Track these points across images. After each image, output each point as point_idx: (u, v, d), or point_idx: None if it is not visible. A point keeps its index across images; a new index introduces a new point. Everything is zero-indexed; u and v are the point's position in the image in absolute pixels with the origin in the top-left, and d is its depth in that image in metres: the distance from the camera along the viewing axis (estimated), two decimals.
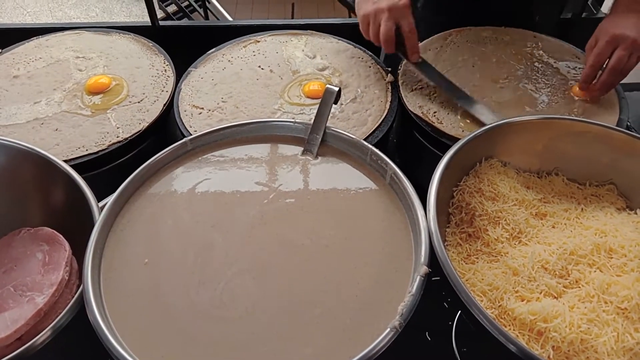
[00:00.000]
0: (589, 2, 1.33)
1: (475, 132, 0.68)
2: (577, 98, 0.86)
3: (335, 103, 0.70)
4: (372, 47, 0.98)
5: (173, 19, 2.59)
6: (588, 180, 0.73)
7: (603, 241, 0.62)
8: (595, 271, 0.60)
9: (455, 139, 0.79)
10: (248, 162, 0.70)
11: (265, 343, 0.53)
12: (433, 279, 0.57)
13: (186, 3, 2.59)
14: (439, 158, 0.74)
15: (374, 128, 0.83)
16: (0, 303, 0.61)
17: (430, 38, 0.98)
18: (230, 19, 2.54)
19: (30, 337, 0.56)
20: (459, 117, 0.83)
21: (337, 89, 0.69)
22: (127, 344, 0.52)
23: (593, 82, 0.83)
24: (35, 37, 1.00)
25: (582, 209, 0.69)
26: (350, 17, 2.99)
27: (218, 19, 2.54)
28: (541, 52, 0.96)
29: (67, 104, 0.86)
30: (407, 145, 0.93)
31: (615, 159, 0.71)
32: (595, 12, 1.35)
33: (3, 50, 0.97)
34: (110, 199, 0.63)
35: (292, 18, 2.72)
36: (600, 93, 0.83)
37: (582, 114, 0.83)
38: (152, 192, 0.66)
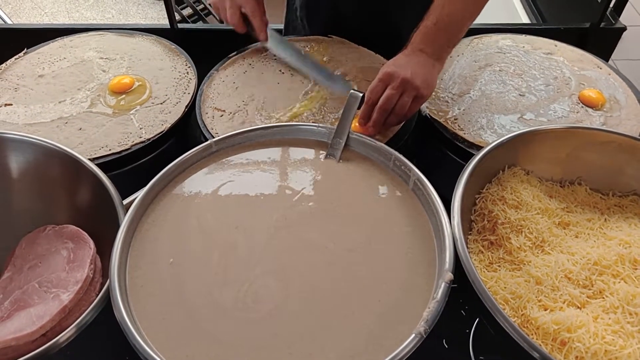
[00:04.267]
0: (607, 13, 1.33)
1: (500, 140, 0.68)
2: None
3: (359, 108, 0.71)
4: (393, 54, 0.99)
5: (188, 22, 2.61)
6: (611, 190, 0.73)
7: (627, 252, 0.62)
8: (619, 282, 0.60)
9: (476, 147, 0.80)
10: (271, 165, 0.70)
11: (289, 345, 0.53)
12: (452, 286, 0.57)
13: (201, 6, 2.61)
14: (459, 165, 0.74)
15: (393, 134, 0.83)
16: (25, 299, 0.62)
17: None
18: None
19: (55, 333, 0.56)
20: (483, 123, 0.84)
21: (361, 94, 0.70)
22: (152, 343, 0.52)
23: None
24: (59, 38, 1.02)
25: (605, 219, 0.68)
26: None
27: None
28: (563, 59, 0.96)
29: (90, 103, 0.88)
30: (427, 152, 0.93)
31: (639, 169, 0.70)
32: (613, 22, 1.34)
33: (28, 50, 0.99)
34: (135, 199, 0.64)
35: None
36: (374, 131, 0.77)
37: (605, 123, 0.83)
38: (176, 193, 0.67)
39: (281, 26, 1.15)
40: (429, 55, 0.77)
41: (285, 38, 0.98)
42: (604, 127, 0.77)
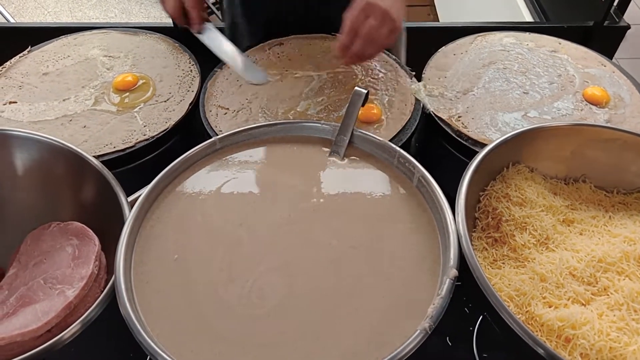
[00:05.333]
0: (611, 11, 1.33)
1: (504, 137, 0.68)
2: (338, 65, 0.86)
3: (363, 105, 0.71)
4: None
5: None
6: (616, 187, 0.72)
7: (632, 249, 0.62)
8: (624, 279, 0.60)
9: (479, 144, 0.80)
10: (275, 162, 0.70)
11: (294, 342, 0.53)
12: (455, 283, 0.57)
13: (204, 5, 2.61)
14: (462, 162, 0.74)
15: (397, 131, 0.83)
16: (30, 295, 0.62)
17: (456, 42, 0.99)
18: None
19: (60, 329, 0.56)
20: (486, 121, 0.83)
21: (365, 91, 0.70)
22: (157, 338, 0.53)
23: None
24: (63, 36, 1.02)
25: (609, 217, 0.68)
26: None
27: None
28: (567, 57, 0.96)
29: (95, 101, 0.88)
30: (430, 149, 0.94)
31: None
32: (617, 20, 1.34)
33: (32, 47, 0.99)
34: (139, 195, 0.64)
35: None
36: (353, 61, 0.81)
37: (609, 121, 0.82)
38: (181, 190, 0.67)
39: None
40: None
41: (220, 34, 0.97)
42: (608, 125, 0.77)
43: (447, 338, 0.77)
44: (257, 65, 0.93)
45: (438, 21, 2.79)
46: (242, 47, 0.99)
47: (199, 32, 0.94)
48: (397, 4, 0.77)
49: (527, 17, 1.63)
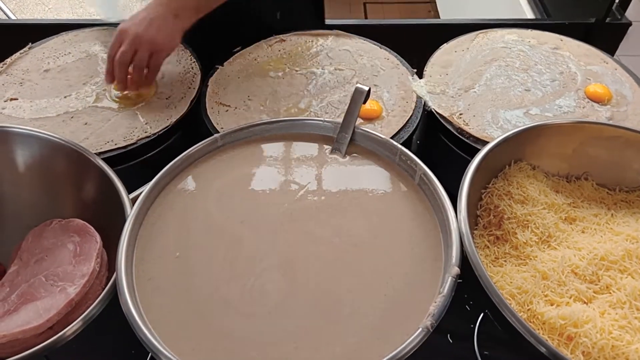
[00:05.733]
0: (613, 8, 1.32)
1: (506, 135, 0.67)
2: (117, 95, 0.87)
3: (365, 103, 0.71)
4: (398, 49, 0.99)
5: None
6: (618, 185, 0.72)
7: (634, 247, 0.62)
8: (626, 277, 0.60)
9: (481, 141, 0.79)
10: (277, 160, 0.70)
11: (295, 339, 0.53)
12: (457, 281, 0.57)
13: None
14: (464, 160, 0.74)
15: (398, 128, 0.83)
16: (32, 292, 0.62)
17: (458, 39, 0.99)
18: None
19: (61, 327, 0.56)
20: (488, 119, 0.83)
21: (367, 88, 0.69)
22: (158, 336, 0.52)
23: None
24: (64, 32, 1.01)
25: (612, 215, 0.68)
26: (366, 17, 2.99)
27: None
28: (569, 54, 0.95)
29: (96, 98, 0.88)
30: (432, 146, 0.93)
31: None
32: (619, 17, 1.34)
33: (33, 44, 0.99)
34: (141, 193, 0.64)
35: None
36: (122, 88, 0.84)
37: (611, 118, 0.82)
38: (182, 187, 0.67)
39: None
40: (168, 11, 0.81)
41: (80, 31, 0.98)
42: (611, 122, 0.76)
43: (449, 335, 0.78)
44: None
45: (439, 18, 2.78)
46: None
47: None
48: (156, 24, 0.79)
49: (528, 13, 1.62)
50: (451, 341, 0.77)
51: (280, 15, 1.03)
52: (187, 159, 0.68)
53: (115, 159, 0.78)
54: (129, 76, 0.83)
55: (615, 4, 1.30)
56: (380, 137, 0.70)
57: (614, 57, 0.97)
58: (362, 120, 0.83)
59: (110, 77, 0.83)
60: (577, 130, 0.70)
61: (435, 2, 2.93)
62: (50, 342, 0.53)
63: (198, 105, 0.87)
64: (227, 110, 0.86)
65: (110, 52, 0.81)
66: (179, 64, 0.95)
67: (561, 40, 0.99)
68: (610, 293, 0.59)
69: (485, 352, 0.77)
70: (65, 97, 0.88)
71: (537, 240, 0.64)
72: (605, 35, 1.32)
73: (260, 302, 0.56)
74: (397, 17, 2.94)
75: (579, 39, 1.00)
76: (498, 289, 0.58)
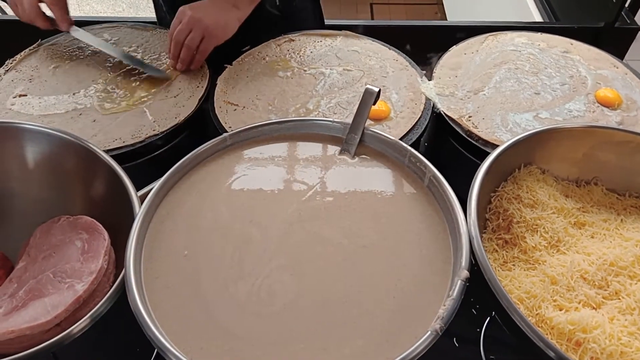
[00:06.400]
0: (622, 12, 1.32)
1: (516, 138, 0.67)
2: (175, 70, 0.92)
3: (374, 104, 0.70)
4: (405, 50, 0.99)
5: None
6: (628, 191, 0.72)
7: None
8: (636, 283, 0.59)
9: (490, 144, 0.79)
10: (286, 160, 0.70)
11: (303, 340, 0.53)
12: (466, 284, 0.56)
13: None
14: (472, 163, 0.73)
15: (407, 130, 0.83)
16: (40, 288, 0.62)
17: (467, 41, 0.98)
18: None
19: (69, 324, 0.56)
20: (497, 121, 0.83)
21: (377, 89, 0.69)
22: (166, 334, 0.52)
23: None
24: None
25: (621, 220, 0.68)
26: (373, 18, 2.99)
27: None
28: (579, 58, 0.95)
29: (105, 95, 0.88)
30: (440, 148, 0.93)
31: None
32: (628, 21, 1.33)
33: (42, 41, 0.99)
34: (149, 190, 0.64)
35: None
36: (181, 66, 0.90)
37: (621, 123, 0.82)
38: (191, 186, 0.66)
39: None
40: (227, 0, 0.88)
41: (89, 28, 1.00)
42: (621, 127, 0.76)
43: (455, 339, 0.77)
44: (151, 66, 0.94)
45: (446, 20, 2.78)
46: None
47: (67, 30, 0.94)
48: (215, 11, 0.86)
49: (537, 17, 1.62)
50: (457, 345, 0.77)
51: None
52: (196, 157, 0.68)
53: (123, 156, 0.78)
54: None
55: (624, 8, 1.30)
56: (389, 138, 0.69)
57: (623, 61, 0.96)
58: (370, 121, 0.82)
59: (175, 59, 0.90)
60: (588, 135, 0.70)
61: (442, 4, 2.92)
62: (58, 339, 0.53)
63: (206, 104, 0.87)
64: (235, 110, 0.86)
65: (171, 30, 0.88)
66: None
67: (571, 44, 0.98)
68: (619, 299, 0.59)
69: (492, 357, 0.76)
70: (74, 93, 0.88)
71: (546, 244, 0.64)
72: (614, 40, 1.31)
73: (269, 302, 0.56)
74: (404, 18, 2.93)
75: (588, 42, 0.99)
76: (507, 292, 0.57)
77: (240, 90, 0.90)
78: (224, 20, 0.87)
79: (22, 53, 0.96)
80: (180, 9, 0.86)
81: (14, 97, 0.87)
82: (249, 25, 0.91)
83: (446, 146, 0.87)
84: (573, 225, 0.67)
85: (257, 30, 0.98)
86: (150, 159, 0.82)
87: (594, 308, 0.59)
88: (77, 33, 0.95)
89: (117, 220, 0.66)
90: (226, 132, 0.72)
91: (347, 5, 3.06)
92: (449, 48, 0.97)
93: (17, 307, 0.60)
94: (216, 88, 0.90)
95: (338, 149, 0.71)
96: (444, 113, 0.85)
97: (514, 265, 0.64)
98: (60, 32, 0.96)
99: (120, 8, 2.95)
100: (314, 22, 1.15)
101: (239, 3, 0.89)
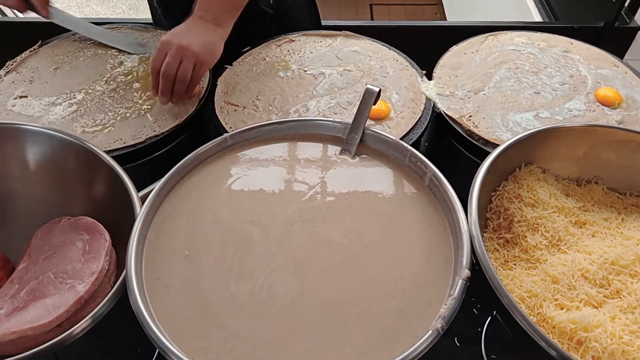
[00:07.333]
0: (622, 12, 1.32)
1: (517, 137, 0.67)
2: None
3: (375, 104, 0.70)
4: (405, 50, 0.99)
5: None
6: (628, 190, 0.72)
7: None
8: (637, 282, 0.59)
9: (490, 144, 0.79)
10: (286, 160, 0.70)
11: (304, 340, 0.53)
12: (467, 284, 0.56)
13: None
14: (473, 162, 0.73)
15: (407, 130, 0.83)
16: (41, 289, 0.62)
17: (467, 41, 0.98)
18: None
19: (70, 324, 0.56)
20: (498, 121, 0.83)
21: (377, 89, 0.69)
22: (167, 334, 0.52)
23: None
24: (73, 31, 1.02)
25: (622, 219, 0.68)
26: (372, 19, 2.99)
27: None
28: (579, 57, 0.95)
29: (106, 96, 0.88)
30: (440, 148, 0.93)
31: None
32: (628, 21, 1.33)
33: (42, 42, 0.99)
34: (150, 191, 0.64)
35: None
36: (165, 100, 0.83)
37: (621, 122, 0.82)
38: (192, 186, 0.67)
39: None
40: (209, 21, 0.81)
41: (69, 14, 0.99)
42: (621, 126, 0.76)
43: (456, 339, 0.77)
44: (126, 37, 0.93)
45: (445, 20, 2.78)
46: None
47: (46, 16, 0.93)
48: (200, 36, 0.80)
49: (536, 16, 1.62)
50: (458, 344, 0.77)
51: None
52: (197, 158, 0.68)
53: (124, 157, 0.79)
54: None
55: (624, 8, 1.30)
56: (390, 138, 0.69)
57: (623, 60, 0.97)
58: (370, 121, 0.82)
59: (156, 89, 0.82)
60: (589, 134, 0.70)
61: (441, 4, 2.93)
62: (59, 340, 0.53)
63: (207, 105, 0.87)
64: (235, 110, 0.86)
65: (155, 64, 0.80)
66: None
67: (571, 43, 0.98)
68: (620, 298, 0.59)
69: (493, 356, 0.76)
70: (75, 95, 0.88)
71: (547, 243, 0.64)
72: (614, 39, 1.31)
73: (270, 302, 0.56)
74: (403, 19, 2.94)
75: (588, 42, 0.99)
76: (508, 292, 0.57)
77: (240, 90, 0.90)
78: (211, 43, 0.81)
79: (22, 54, 0.96)
80: (162, 39, 0.79)
81: (15, 99, 0.87)
82: (243, 24, 0.90)
83: (447, 146, 0.87)
84: (574, 224, 0.67)
85: (252, 28, 0.96)
86: (151, 159, 0.82)
87: (595, 307, 0.59)
88: (56, 20, 0.94)
89: (118, 221, 0.66)
90: (227, 132, 0.72)
91: (347, 6, 3.06)
92: (449, 48, 0.97)
93: (18, 308, 0.60)
94: (216, 89, 0.90)
95: (338, 149, 0.71)
96: (445, 113, 0.85)
97: (515, 264, 0.64)
98: (44, 19, 0.96)
99: (121, 10, 2.95)
100: (310, 20, 1.14)
101: (221, 22, 0.82)
